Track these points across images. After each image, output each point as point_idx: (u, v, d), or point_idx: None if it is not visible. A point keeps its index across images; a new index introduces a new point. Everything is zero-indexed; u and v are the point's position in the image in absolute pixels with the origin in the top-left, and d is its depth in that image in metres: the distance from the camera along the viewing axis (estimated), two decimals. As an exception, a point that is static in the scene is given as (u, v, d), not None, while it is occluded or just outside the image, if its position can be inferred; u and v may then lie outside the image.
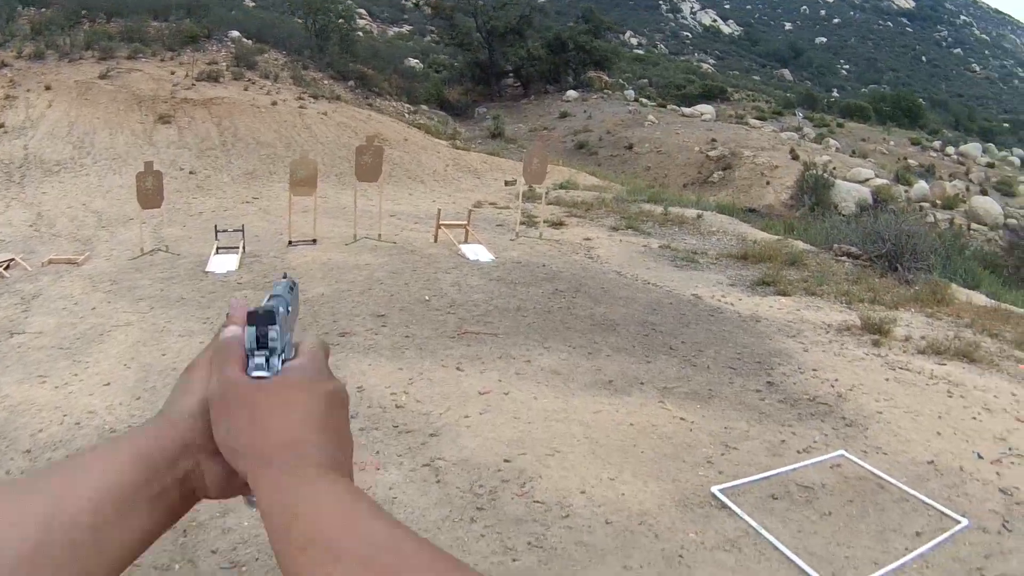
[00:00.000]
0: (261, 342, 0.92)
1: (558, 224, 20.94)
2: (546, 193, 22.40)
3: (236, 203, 21.73)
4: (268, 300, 0.99)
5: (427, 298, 13.16)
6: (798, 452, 8.47)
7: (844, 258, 19.45)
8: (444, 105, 54.74)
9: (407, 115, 44.01)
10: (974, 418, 10.00)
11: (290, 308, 1.03)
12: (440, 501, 6.69)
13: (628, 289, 14.94)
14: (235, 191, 24.04)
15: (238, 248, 15.74)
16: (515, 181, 25.56)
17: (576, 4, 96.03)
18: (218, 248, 15.66)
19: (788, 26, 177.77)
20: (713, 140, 47.27)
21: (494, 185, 28.88)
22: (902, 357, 12.25)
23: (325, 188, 21.49)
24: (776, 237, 21.61)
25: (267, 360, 0.92)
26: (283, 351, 0.95)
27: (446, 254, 16.51)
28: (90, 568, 0.79)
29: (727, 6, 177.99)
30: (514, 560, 5.91)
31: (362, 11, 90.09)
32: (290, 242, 16.64)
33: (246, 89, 35.55)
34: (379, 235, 17.59)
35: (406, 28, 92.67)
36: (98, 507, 0.81)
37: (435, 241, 17.65)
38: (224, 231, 16.26)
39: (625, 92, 63.45)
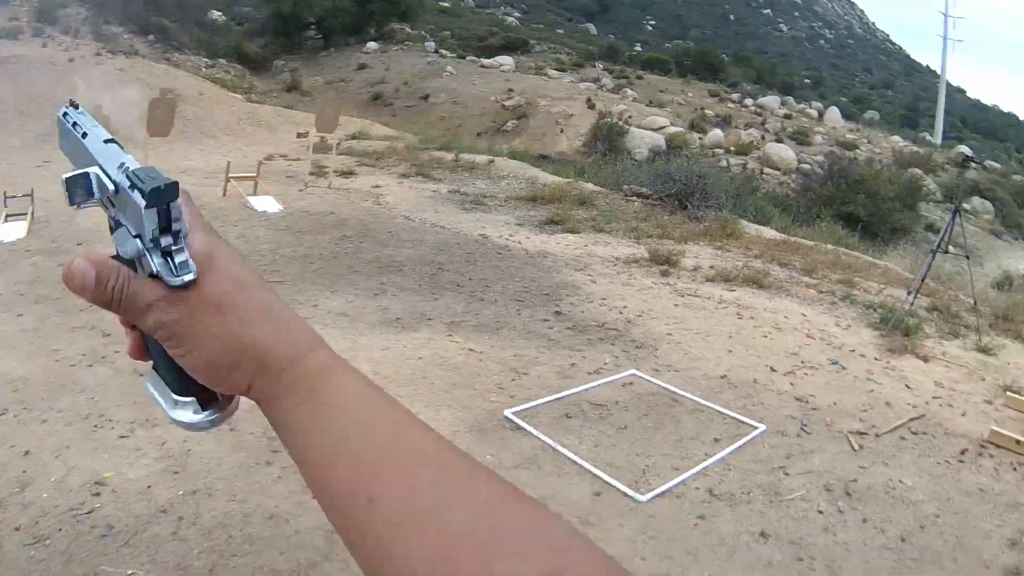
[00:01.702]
0: (166, 230, 0.75)
1: (348, 173, 20.44)
2: (337, 144, 22.19)
3: (29, 168, 20.43)
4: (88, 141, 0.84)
5: None
6: (589, 374, 8.44)
7: (634, 198, 19.51)
8: (243, 59, 53.66)
9: (204, 69, 43.03)
10: (765, 336, 10.16)
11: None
12: (236, 447, 6.34)
13: (416, 232, 14.70)
14: (26, 156, 22.05)
15: (27, 214, 14.64)
16: (307, 133, 24.22)
17: None
18: (7, 216, 14.52)
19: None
20: (510, 90, 47.39)
21: (287, 138, 27.87)
22: (691, 285, 12.31)
23: (132, 151, 20.10)
24: (566, 180, 21.57)
25: (174, 258, 0.76)
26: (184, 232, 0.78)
27: (235, 207, 15.93)
28: None
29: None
30: (312, 498, 5.53)
31: None
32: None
33: (44, 46, 34.01)
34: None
35: None
36: None
37: (224, 195, 16.95)
38: (13, 197, 14.84)
39: (426, 44, 62.86)
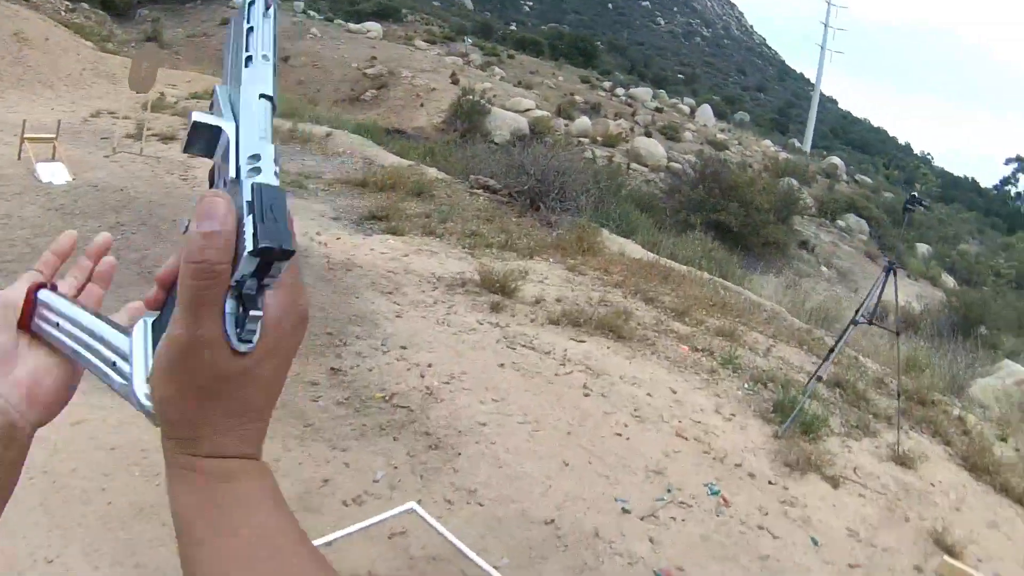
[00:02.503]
0: (260, 278, 0.68)
1: (169, 138, 17.94)
2: (175, 103, 21.35)
3: None
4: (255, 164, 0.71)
5: None
6: (344, 504, 5.44)
7: (480, 192, 16.39)
8: (107, 5, 49.37)
9: (63, 13, 39.55)
10: (619, 434, 7.19)
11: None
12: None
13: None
14: None
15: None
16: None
17: None
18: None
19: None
20: (374, 58, 44.33)
21: (129, 92, 24.91)
22: (528, 329, 9.26)
23: None
24: (408, 163, 18.43)
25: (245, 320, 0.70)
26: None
27: (21, 174, 13.67)
28: None
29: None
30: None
31: None
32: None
33: None
34: None
35: None
36: None
37: (19, 158, 14.66)
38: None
39: (294, 4, 59.13)
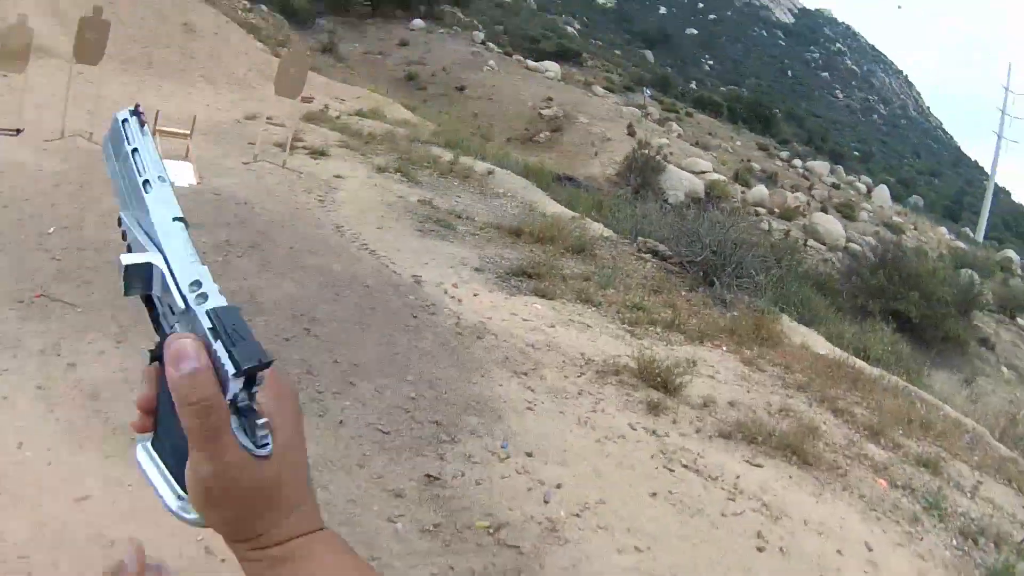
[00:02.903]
0: (251, 393, 0.75)
1: (319, 153, 16.74)
2: (337, 117, 20.71)
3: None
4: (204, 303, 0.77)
5: (51, 231, 9.15)
6: None
7: (649, 256, 14.42)
8: (286, 9, 48.78)
9: (240, 12, 38.71)
10: None
11: None
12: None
13: (329, 254, 10.56)
14: None
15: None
16: (312, 98, 22.44)
17: None
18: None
19: (663, 10, 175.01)
20: (550, 99, 42.97)
21: (292, 101, 24.01)
22: (692, 442, 7.30)
23: (104, 72, 17.20)
24: (573, 215, 16.54)
25: (257, 424, 0.77)
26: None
27: None
28: None
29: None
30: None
31: None
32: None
33: None
34: (91, 134, 13.61)
35: None
36: None
37: None
38: None
39: (474, 34, 58.17)
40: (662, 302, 11.78)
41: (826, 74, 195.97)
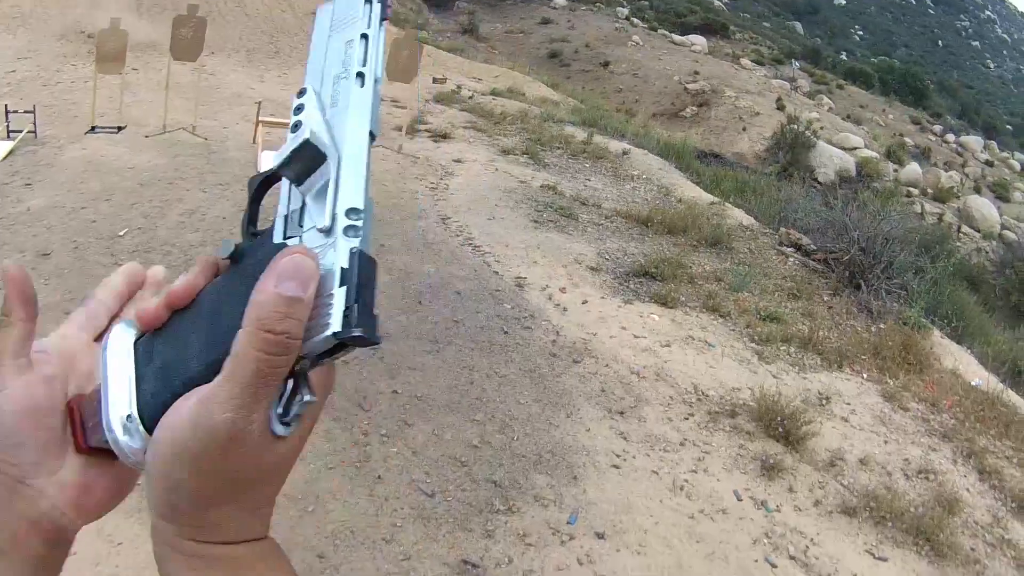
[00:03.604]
0: (317, 363, 0.60)
1: (443, 136, 15.75)
2: (470, 96, 19.93)
3: (56, 69, 16.85)
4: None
5: (123, 232, 8.63)
6: None
7: (791, 251, 12.73)
8: None
9: (269, 152, 38.92)
10: None
11: None
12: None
13: (425, 251, 9.47)
14: (56, 49, 18.75)
15: (22, 132, 12.17)
16: (445, 79, 22.41)
17: None
18: (9, 132, 12.27)
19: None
20: (696, 73, 41.83)
21: (424, 82, 23.34)
22: (807, 523, 5.90)
23: (226, 64, 18.44)
24: (711, 200, 15.02)
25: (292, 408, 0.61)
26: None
27: (246, 159, 12.13)
28: None
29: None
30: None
31: None
32: (93, 128, 13.02)
33: None
34: (193, 127, 13.33)
35: None
36: None
37: (253, 142, 13.09)
38: (15, 112, 12.34)
39: (618, 9, 56.81)
40: (800, 310, 10.28)
41: (976, 43, 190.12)
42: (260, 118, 13.21)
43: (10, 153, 11.85)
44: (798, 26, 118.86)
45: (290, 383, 0.58)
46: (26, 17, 21.11)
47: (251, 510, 0.65)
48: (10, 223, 8.78)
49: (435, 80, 23.51)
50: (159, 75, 13.37)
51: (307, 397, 0.58)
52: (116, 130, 13.10)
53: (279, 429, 0.58)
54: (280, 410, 0.58)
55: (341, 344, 0.55)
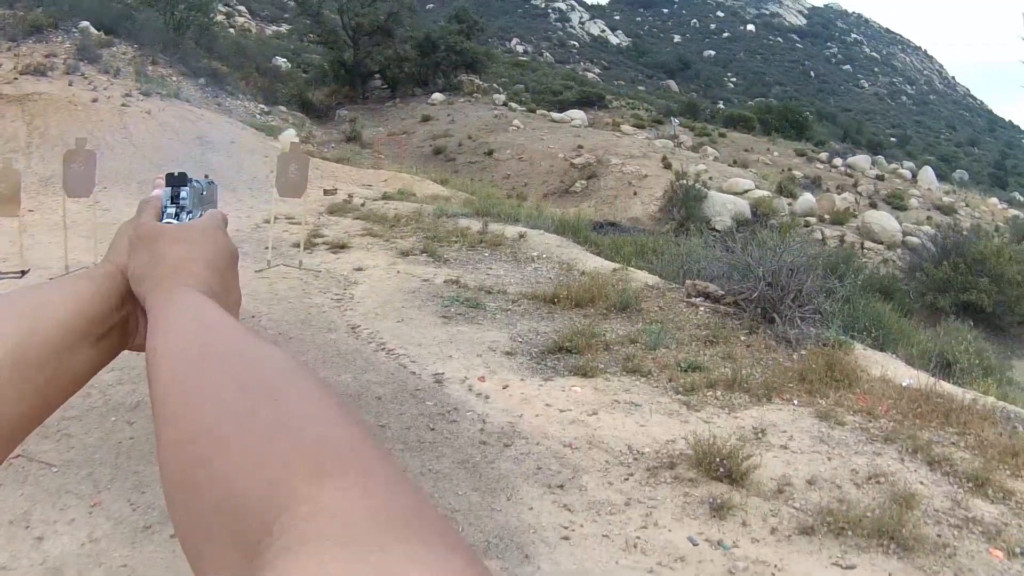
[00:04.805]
0: (174, 200, 1.08)
1: (340, 247, 15.99)
2: (362, 204, 20.86)
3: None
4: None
5: None
6: None
7: (700, 301, 12.77)
8: (305, 106, 49.53)
9: (259, 116, 39.34)
10: None
11: (204, 193, 1.16)
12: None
13: (340, 362, 9.51)
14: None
15: None
16: (335, 190, 23.31)
17: (450, 3, 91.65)
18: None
19: (677, 39, 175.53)
20: (580, 147, 41.95)
21: (314, 194, 23.57)
22: (767, 551, 5.84)
23: (120, 198, 19.00)
24: (614, 266, 15.03)
25: (177, 215, 1.07)
26: (191, 213, 1.10)
27: None
28: (47, 390, 0.86)
29: (616, 17, 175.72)
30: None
31: (242, 8, 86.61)
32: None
33: (71, 84, 31.14)
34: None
35: (285, 27, 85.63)
36: (65, 335, 0.89)
37: None
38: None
39: (495, 96, 57.28)
40: (720, 354, 10.26)
41: (848, 67, 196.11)
42: None
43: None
44: (672, 84, 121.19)
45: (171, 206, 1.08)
46: None
47: (170, 280, 0.93)
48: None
49: (326, 192, 23.80)
50: (55, 215, 13.50)
51: (168, 210, 1.07)
52: (20, 274, 13.07)
53: (166, 220, 1.05)
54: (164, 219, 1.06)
55: (173, 184, 1.08)
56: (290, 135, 33.79)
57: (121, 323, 0.98)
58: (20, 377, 0.81)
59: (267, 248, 14.73)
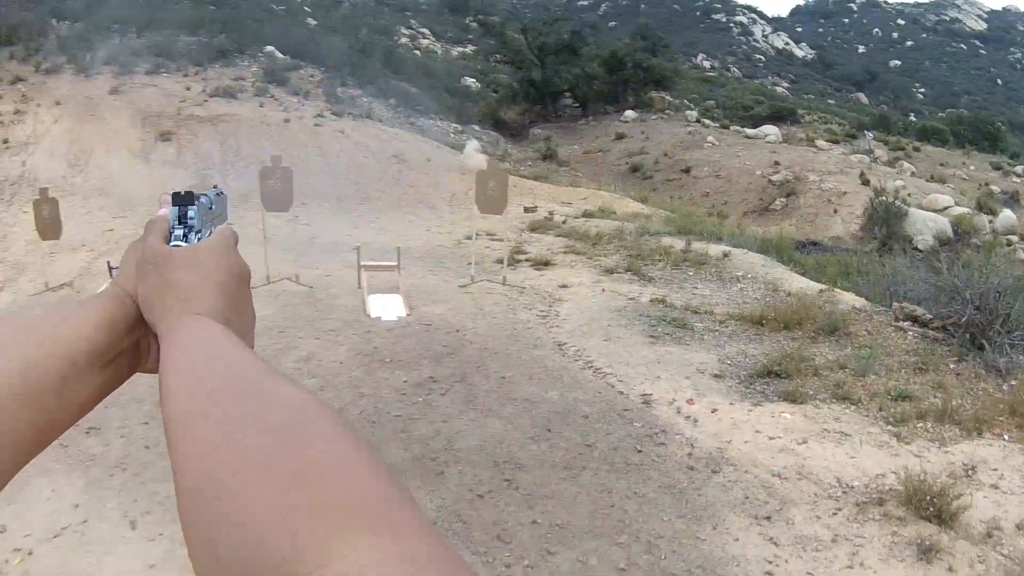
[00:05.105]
0: (182, 220, 1.06)
1: (543, 264, 15.96)
2: (563, 222, 20.68)
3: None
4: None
5: None
6: None
7: (908, 325, 12.42)
8: (499, 125, 49.53)
9: (452, 135, 39.70)
10: None
11: (213, 207, 1.16)
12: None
13: (546, 379, 9.44)
14: (151, 209, 20.09)
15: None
16: (535, 207, 23.27)
17: (632, 21, 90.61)
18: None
19: (861, 49, 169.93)
20: (776, 163, 40.96)
21: (514, 211, 23.74)
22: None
23: (318, 214, 19.91)
24: (820, 287, 14.73)
25: (185, 236, 1.05)
26: (200, 232, 1.07)
27: (353, 306, 12.49)
28: (53, 415, 0.86)
29: (799, 29, 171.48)
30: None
31: (425, 31, 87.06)
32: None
33: (261, 106, 32.71)
34: (296, 276, 14.07)
35: (470, 48, 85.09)
36: (74, 360, 0.88)
37: (359, 287, 13.46)
38: (116, 268, 11.81)
39: (687, 113, 56.64)
40: (930, 383, 9.89)
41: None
42: (362, 263, 13.42)
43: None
44: (862, 96, 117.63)
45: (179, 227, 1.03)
46: (115, 177, 23.00)
47: (181, 305, 0.91)
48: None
49: (526, 209, 23.91)
50: (254, 228, 13.81)
51: (176, 231, 1.03)
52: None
53: (174, 243, 1.01)
54: (176, 233, 1.02)
55: (177, 204, 1.04)
56: (473, 147, 34.11)
57: (131, 347, 0.98)
58: (28, 402, 0.82)
59: (470, 264, 14.96)
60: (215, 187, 1.21)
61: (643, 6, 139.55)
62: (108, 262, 13.74)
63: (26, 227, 18.20)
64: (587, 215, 22.86)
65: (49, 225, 14.81)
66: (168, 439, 0.69)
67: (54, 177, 22.40)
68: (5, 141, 26.01)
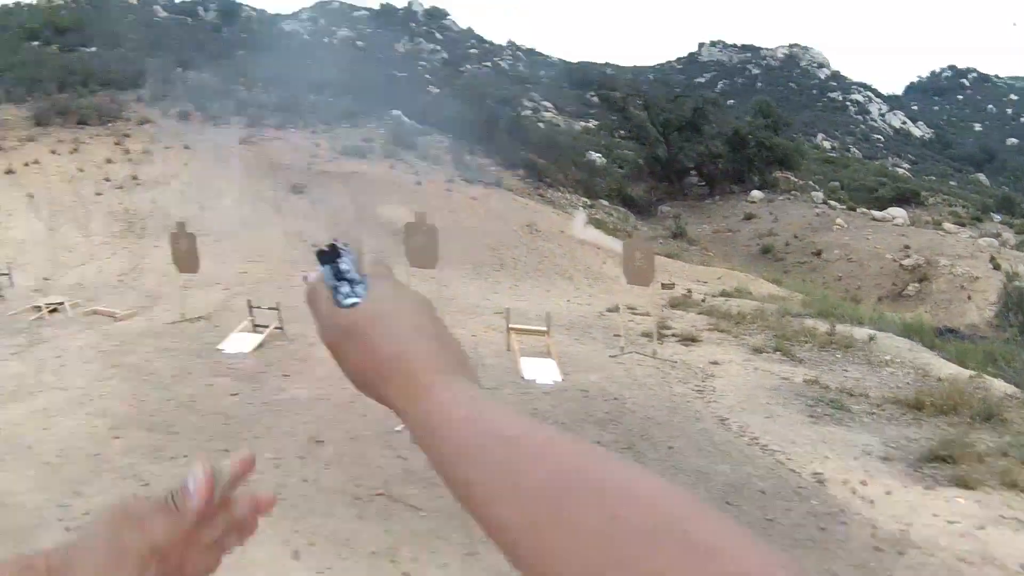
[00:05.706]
0: (338, 276, 0.96)
1: (690, 340, 15.73)
2: (703, 300, 20.21)
3: (287, 274, 19.19)
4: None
5: (399, 428, 8.33)
6: None
7: (1061, 411, 12.29)
8: (626, 201, 49.03)
9: (582, 208, 39.95)
10: None
11: (353, 253, 1.02)
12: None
13: (715, 452, 9.42)
14: (282, 254, 21.93)
15: (268, 327, 13.48)
16: (673, 284, 22.62)
17: (749, 99, 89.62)
18: (255, 326, 13.57)
19: (978, 127, 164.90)
20: (906, 247, 40.33)
21: (654, 287, 23.55)
22: None
23: (454, 276, 19.92)
24: (969, 373, 14.32)
25: (353, 289, 0.95)
26: (361, 282, 0.97)
27: (505, 367, 12.30)
28: None
29: (914, 107, 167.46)
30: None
31: (548, 104, 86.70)
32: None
33: (392, 167, 33.33)
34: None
35: (592, 123, 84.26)
36: None
37: (508, 349, 13.28)
38: (258, 307, 13.90)
39: (813, 194, 56.05)
40: (1090, 471, 9.71)
41: None
42: (511, 325, 13.42)
43: (260, 346, 12.77)
44: (982, 177, 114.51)
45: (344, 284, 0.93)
46: (247, 223, 23.61)
47: (388, 372, 0.85)
48: (276, 407, 9.59)
49: (663, 285, 23.25)
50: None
51: (343, 288, 0.92)
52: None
53: (348, 300, 0.91)
54: (343, 290, 0.92)
55: (325, 256, 0.95)
56: (582, 217, 34.14)
57: None
58: None
59: (618, 335, 14.98)
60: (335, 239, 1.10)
61: (760, 84, 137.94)
62: (248, 301, 14.04)
63: (158, 260, 18.93)
64: (725, 294, 22.77)
65: (187, 258, 15.09)
66: (501, 545, 0.65)
67: (185, 217, 22.96)
68: (135, 177, 27.11)
